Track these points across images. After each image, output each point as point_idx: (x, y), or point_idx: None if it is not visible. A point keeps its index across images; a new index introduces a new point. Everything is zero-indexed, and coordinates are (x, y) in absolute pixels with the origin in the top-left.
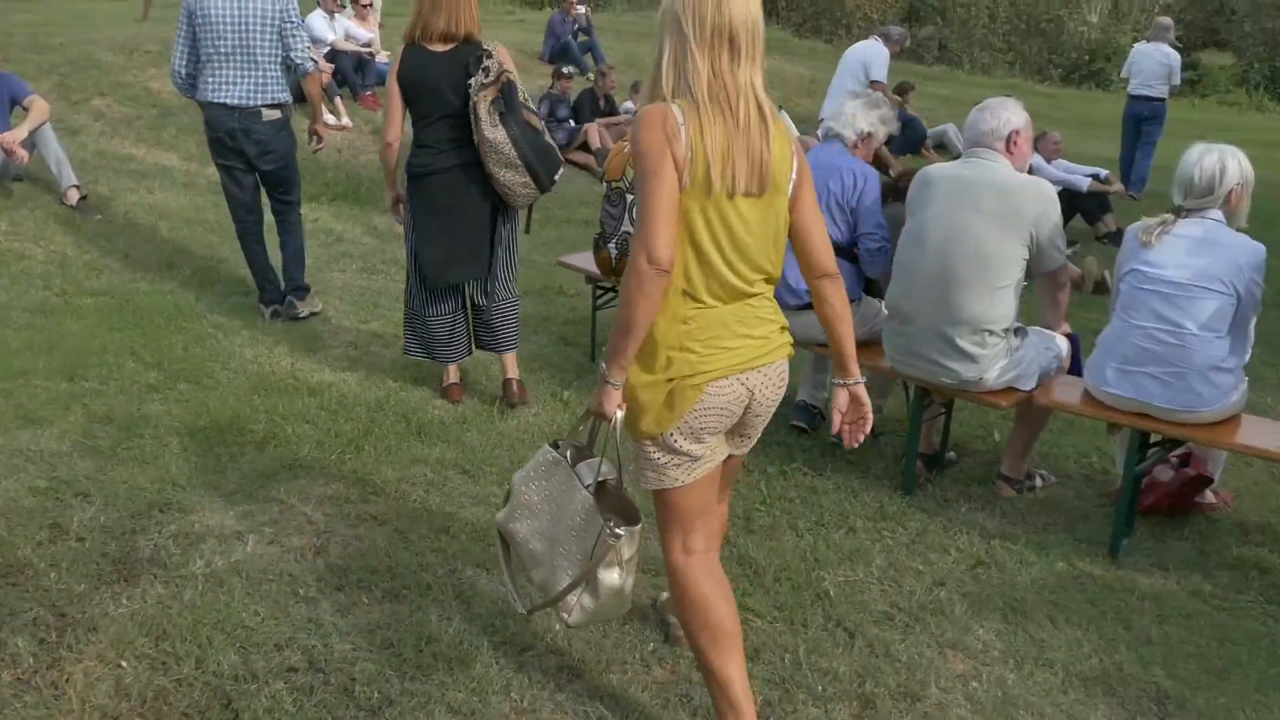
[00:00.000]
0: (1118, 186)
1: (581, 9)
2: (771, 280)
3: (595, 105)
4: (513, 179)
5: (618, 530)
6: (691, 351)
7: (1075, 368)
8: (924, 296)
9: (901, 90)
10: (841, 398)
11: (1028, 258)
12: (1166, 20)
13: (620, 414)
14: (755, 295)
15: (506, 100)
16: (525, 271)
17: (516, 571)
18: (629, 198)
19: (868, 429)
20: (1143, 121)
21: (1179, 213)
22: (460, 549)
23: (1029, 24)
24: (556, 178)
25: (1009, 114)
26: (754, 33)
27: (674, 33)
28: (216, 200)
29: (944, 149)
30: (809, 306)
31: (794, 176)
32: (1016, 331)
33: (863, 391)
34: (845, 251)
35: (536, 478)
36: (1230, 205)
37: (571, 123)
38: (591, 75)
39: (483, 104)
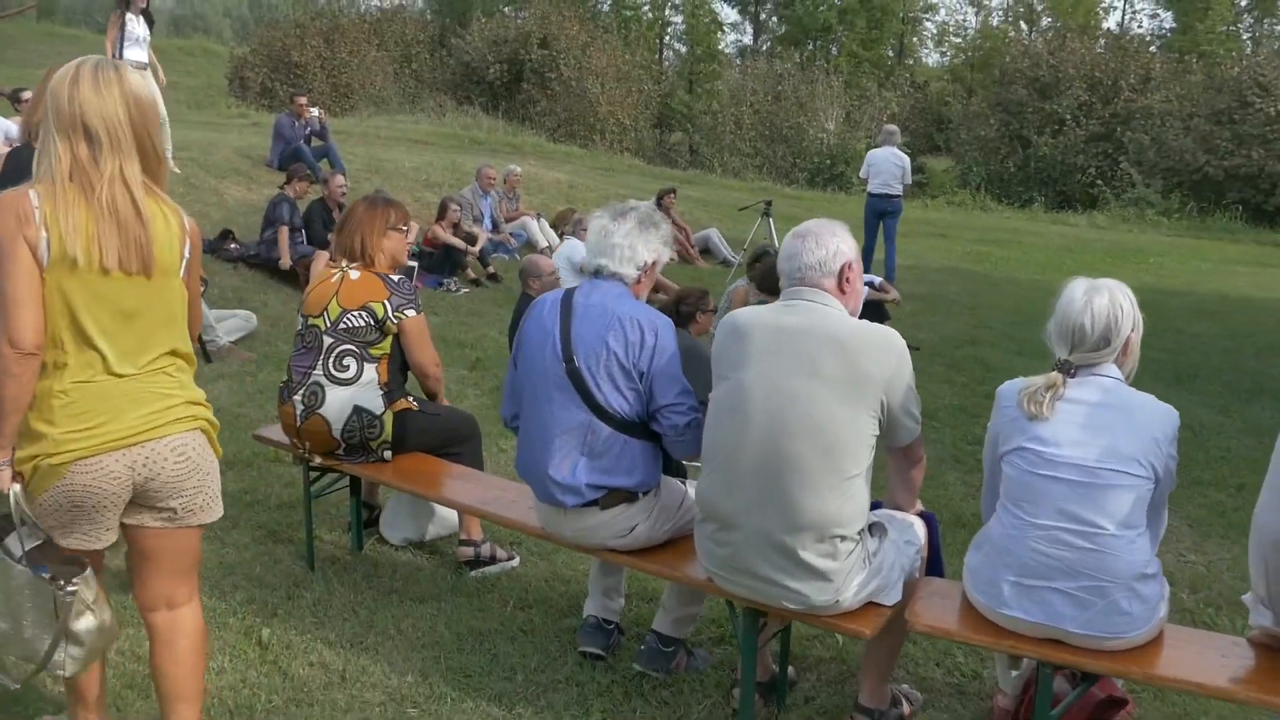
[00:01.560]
0: (894, 294)
1: (315, 111)
2: (177, 354)
3: (328, 217)
4: None
5: (69, 588)
6: (57, 426)
7: (934, 557)
8: (750, 493)
9: (662, 195)
10: None
11: (878, 433)
12: (893, 127)
13: (17, 487)
14: (153, 371)
15: None
16: (230, 433)
17: None
18: (326, 340)
19: None
20: (884, 216)
21: (1067, 370)
22: None
23: (772, 131)
24: None
25: (839, 242)
26: (114, 126)
27: (45, 122)
28: None
29: (710, 254)
30: (593, 504)
31: (186, 255)
32: (872, 529)
33: None
34: (637, 428)
35: None
36: (1126, 355)
37: (303, 237)
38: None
39: None
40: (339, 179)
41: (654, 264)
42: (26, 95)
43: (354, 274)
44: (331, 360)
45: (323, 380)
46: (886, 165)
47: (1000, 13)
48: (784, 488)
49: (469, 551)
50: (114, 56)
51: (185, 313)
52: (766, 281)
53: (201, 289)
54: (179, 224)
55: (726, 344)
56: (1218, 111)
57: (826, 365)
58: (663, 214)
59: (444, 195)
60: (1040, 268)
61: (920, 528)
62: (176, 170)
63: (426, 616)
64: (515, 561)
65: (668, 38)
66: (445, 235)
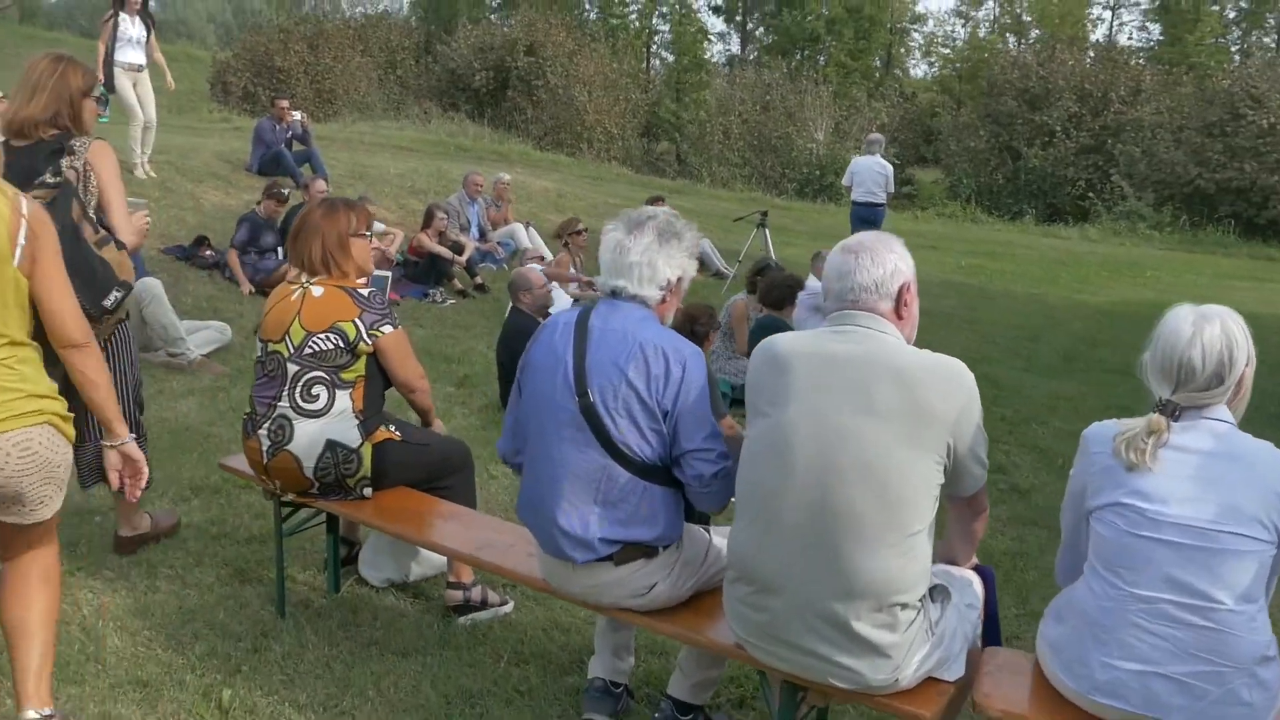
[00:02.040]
0: None
1: (297, 115)
2: (16, 344)
3: None
4: None
5: None
6: None
7: (991, 618)
8: (794, 551)
9: (651, 202)
10: (113, 458)
11: (943, 481)
12: (877, 135)
13: None
14: None
15: (58, 204)
16: (199, 455)
17: None
18: (291, 368)
19: (144, 481)
20: (867, 224)
21: (1171, 412)
22: None
23: (761, 141)
24: (108, 302)
25: (896, 259)
26: None
27: None
28: None
29: (702, 265)
30: (607, 559)
31: (21, 241)
32: (933, 593)
33: (134, 448)
34: (660, 472)
35: None
36: (1240, 394)
37: (279, 252)
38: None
39: None
40: (320, 184)
41: (679, 280)
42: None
43: (317, 290)
44: (298, 390)
45: (289, 413)
46: (869, 173)
47: (988, 24)
48: (836, 546)
49: (458, 595)
50: (106, 58)
51: (24, 301)
52: (770, 295)
53: (118, 294)
54: (9, 208)
55: (764, 375)
56: (1209, 124)
57: (885, 401)
58: (686, 221)
59: (430, 202)
60: (1036, 281)
61: (978, 585)
62: (152, 174)
63: (410, 674)
64: (509, 607)
65: (654, 46)
66: (431, 244)
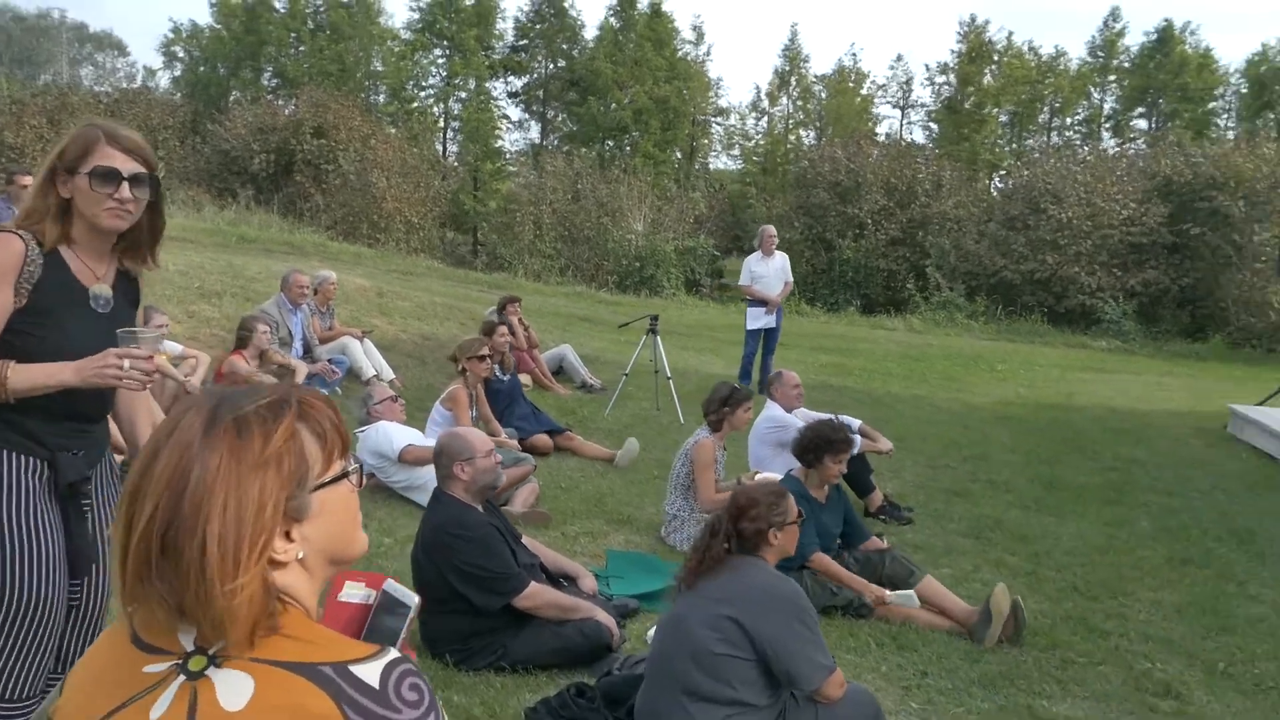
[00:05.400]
0: (886, 445)
1: None
2: None
3: None
4: None
5: None
6: None
7: None
8: None
9: (505, 304)
10: None
11: None
12: (765, 228)
13: None
14: None
15: None
16: None
17: None
18: None
19: None
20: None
21: None
22: None
23: (573, 232)
24: None
25: None
26: None
27: None
28: None
29: (564, 375)
30: None
31: None
32: None
33: None
34: None
35: None
36: None
37: None
38: None
39: None
40: None
41: None
42: None
43: (232, 698)
44: None
45: None
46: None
47: (783, 120)
48: None
49: None
50: None
51: None
52: (806, 452)
53: None
54: None
55: None
56: (1011, 217)
57: None
58: None
59: (245, 314)
60: (904, 380)
61: None
62: None
63: None
64: None
65: (452, 133)
66: (250, 369)
